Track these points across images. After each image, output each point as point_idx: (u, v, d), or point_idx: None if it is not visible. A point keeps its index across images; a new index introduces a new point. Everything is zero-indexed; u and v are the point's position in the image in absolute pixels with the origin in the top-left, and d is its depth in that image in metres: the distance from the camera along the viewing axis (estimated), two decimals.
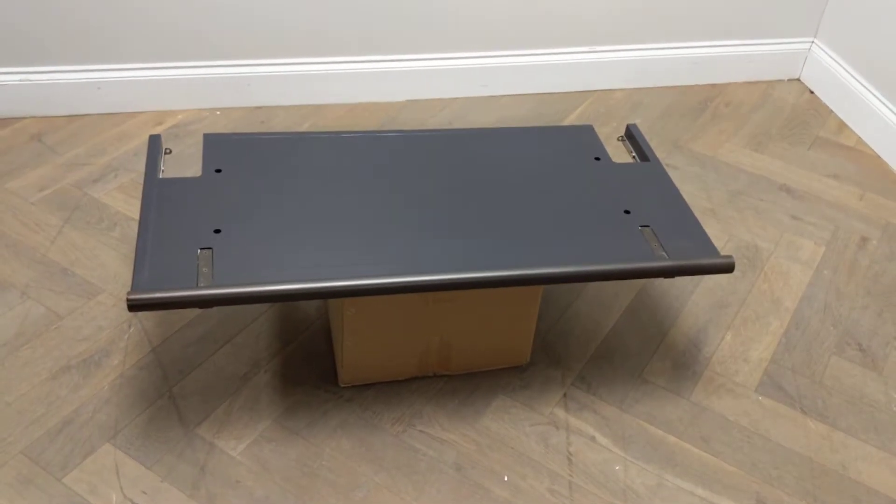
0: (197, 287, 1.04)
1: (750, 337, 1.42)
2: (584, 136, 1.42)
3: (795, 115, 2.04)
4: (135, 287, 1.03)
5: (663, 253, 1.18)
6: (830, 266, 1.58)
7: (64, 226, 1.52)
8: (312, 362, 1.31)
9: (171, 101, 1.84)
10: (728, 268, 1.18)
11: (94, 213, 1.55)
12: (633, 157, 1.43)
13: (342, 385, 1.27)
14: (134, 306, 1.01)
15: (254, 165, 1.27)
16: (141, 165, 1.68)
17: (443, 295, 1.20)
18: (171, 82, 1.82)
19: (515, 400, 1.27)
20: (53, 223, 1.52)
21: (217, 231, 1.14)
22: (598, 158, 1.37)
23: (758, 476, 1.19)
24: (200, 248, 1.11)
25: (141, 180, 1.64)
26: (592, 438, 1.23)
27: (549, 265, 1.13)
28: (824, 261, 1.59)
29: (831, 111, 2.07)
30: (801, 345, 1.41)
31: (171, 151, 1.34)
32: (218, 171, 1.25)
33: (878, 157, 1.91)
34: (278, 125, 1.84)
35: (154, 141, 1.30)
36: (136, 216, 1.55)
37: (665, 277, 1.18)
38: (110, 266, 1.44)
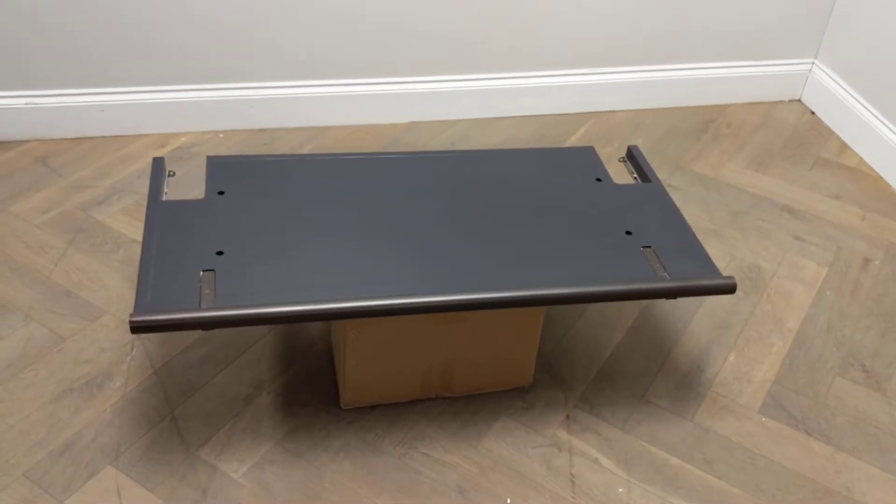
0: (199, 309, 1.04)
1: (753, 358, 1.41)
2: (585, 158, 1.43)
3: (797, 136, 2.05)
4: (137, 309, 1.04)
5: (665, 274, 1.18)
6: (833, 287, 1.58)
7: (68, 248, 1.52)
8: (314, 384, 1.31)
9: (175, 123, 1.85)
10: (730, 289, 1.18)
11: (97, 235, 1.56)
12: (635, 177, 1.43)
13: (344, 407, 1.27)
14: (137, 328, 1.02)
15: (256, 187, 1.28)
16: (144, 187, 1.69)
17: (445, 316, 1.20)
18: (175, 105, 1.83)
19: (518, 422, 1.27)
20: (57, 245, 1.53)
21: (219, 253, 1.14)
22: (599, 179, 1.38)
23: (762, 498, 1.18)
24: (203, 270, 1.11)
25: (144, 202, 1.65)
26: (595, 460, 1.22)
27: (551, 286, 1.13)
28: (827, 281, 1.59)
29: (832, 132, 2.07)
30: (805, 366, 1.41)
31: (174, 174, 1.34)
32: (221, 193, 1.26)
33: (880, 177, 1.91)
34: (281, 147, 1.85)
35: (157, 164, 1.30)
36: (140, 238, 1.56)
37: (667, 298, 1.18)
38: (113, 288, 1.45)
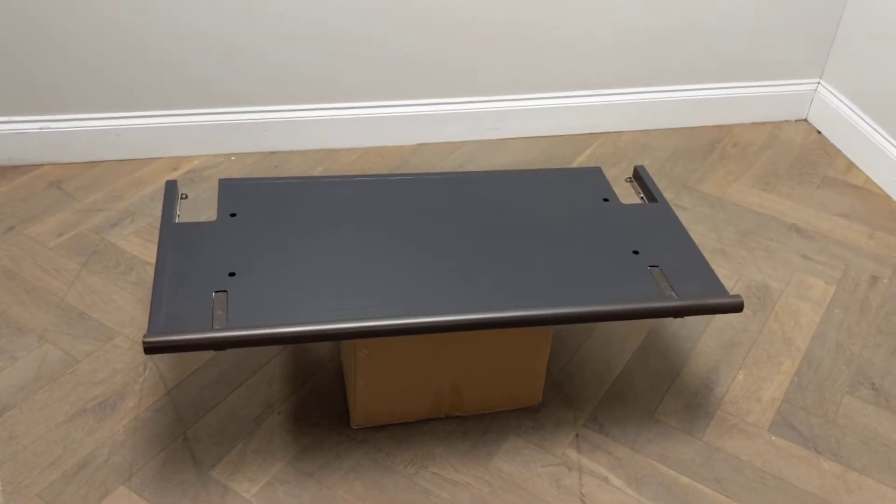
0: (212, 329, 1.06)
1: (762, 376, 1.42)
2: (592, 178, 1.44)
3: (803, 156, 2.06)
4: (151, 330, 1.05)
5: (672, 293, 1.19)
6: (841, 305, 1.58)
7: (81, 270, 1.54)
8: (325, 404, 1.32)
9: (187, 147, 1.88)
10: (737, 307, 1.18)
11: (111, 257, 1.58)
12: (641, 197, 1.44)
13: (355, 427, 1.28)
14: (150, 349, 1.03)
15: (268, 210, 1.29)
16: (157, 210, 1.71)
17: (455, 336, 1.21)
18: (187, 129, 1.86)
19: (528, 441, 1.28)
20: (71, 268, 1.55)
21: (232, 274, 1.16)
22: (606, 199, 1.39)
23: None
24: (215, 292, 1.13)
25: (157, 225, 1.67)
26: (605, 479, 1.23)
27: (559, 306, 1.14)
28: (835, 300, 1.59)
29: (839, 151, 2.08)
30: (814, 384, 1.41)
31: (186, 196, 1.36)
32: (233, 215, 1.28)
33: (888, 196, 1.92)
34: (292, 170, 1.87)
35: (170, 186, 1.32)
36: (153, 260, 1.57)
37: (674, 317, 1.19)
38: (126, 310, 1.46)
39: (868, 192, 1.93)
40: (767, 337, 1.50)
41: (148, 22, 1.71)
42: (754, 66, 2.10)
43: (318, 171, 1.87)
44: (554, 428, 1.30)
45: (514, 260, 1.23)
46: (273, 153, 1.93)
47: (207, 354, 1.38)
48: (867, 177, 1.98)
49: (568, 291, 1.18)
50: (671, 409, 1.35)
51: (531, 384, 1.31)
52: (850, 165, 2.03)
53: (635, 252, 1.27)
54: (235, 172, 1.85)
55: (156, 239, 1.63)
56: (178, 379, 1.34)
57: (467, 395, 1.28)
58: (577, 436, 1.29)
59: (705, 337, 1.49)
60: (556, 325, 1.19)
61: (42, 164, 1.82)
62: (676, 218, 1.35)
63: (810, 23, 2.05)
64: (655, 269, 1.24)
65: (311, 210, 1.30)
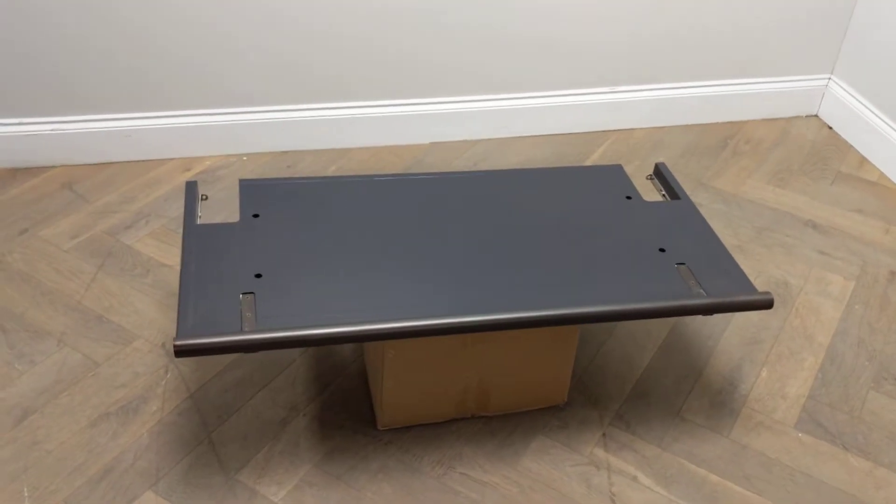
0: (242, 332, 1.04)
1: (785, 373, 1.41)
2: (613, 176, 1.44)
3: (815, 151, 2.06)
4: (180, 333, 1.04)
5: (701, 290, 1.18)
6: (861, 301, 1.58)
7: (98, 273, 1.53)
8: (350, 406, 1.31)
9: (199, 147, 1.87)
10: (767, 304, 1.18)
11: (127, 259, 1.57)
12: (663, 195, 1.44)
13: (381, 428, 1.27)
14: (181, 352, 1.02)
15: (290, 210, 1.28)
16: (171, 211, 1.69)
17: (481, 336, 1.20)
18: (199, 129, 1.85)
19: (555, 440, 1.27)
20: (87, 270, 1.53)
21: (258, 276, 1.15)
22: (629, 197, 1.38)
23: None
24: (242, 293, 1.12)
25: (172, 226, 1.65)
26: (634, 478, 1.22)
27: (589, 304, 1.14)
28: (855, 295, 1.59)
29: (851, 146, 2.08)
30: (837, 380, 1.40)
31: (206, 197, 1.35)
32: (255, 216, 1.27)
33: None
34: (305, 169, 1.86)
35: (191, 187, 1.31)
36: (169, 262, 1.56)
37: (704, 315, 1.18)
38: (145, 312, 1.45)
39: (882, 187, 1.93)
40: (789, 333, 1.49)
41: (157, 22, 1.69)
42: (765, 62, 2.10)
43: (331, 171, 1.86)
44: (580, 427, 1.30)
45: (540, 258, 1.22)
46: (286, 153, 1.92)
47: (229, 357, 1.37)
48: (881, 172, 1.98)
49: (597, 290, 1.17)
50: (696, 406, 1.34)
51: (557, 383, 1.31)
52: (863, 161, 2.02)
53: (661, 250, 1.26)
54: (248, 172, 1.84)
55: (172, 241, 1.61)
56: (200, 382, 1.33)
57: (493, 395, 1.28)
58: (603, 434, 1.29)
59: (727, 334, 1.48)
60: (586, 324, 1.18)
61: (54, 166, 1.81)
62: (700, 215, 1.35)
63: (821, 18, 2.05)
64: (682, 266, 1.23)
65: (334, 210, 1.29)
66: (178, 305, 1.08)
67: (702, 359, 1.43)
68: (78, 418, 1.26)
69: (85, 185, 1.76)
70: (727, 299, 1.17)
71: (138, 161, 1.85)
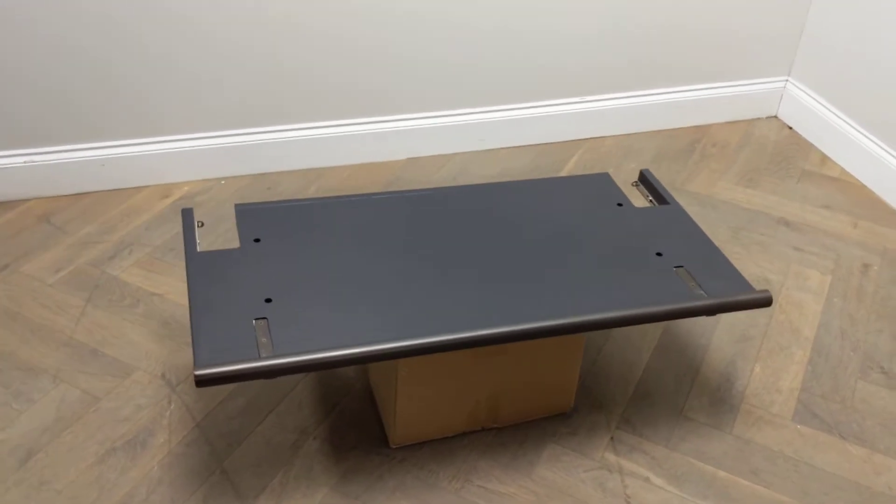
0: (261, 358, 1.04)
1: (777, 368, 1.46)
2: (602, 184, 1.47)
3: (778, 151, 2.12)
4: (198, 363, 1.03)
5: (702, 292, 1.22)
6: (839, 293, 1.64)
7: (86, 306, 1.50)
8: (359, 425, 1.31)
9: (176, 173, 1.84)
10: (766, 302, 1.22)
11: (114, 290, 1.54)
12: (650, 200, 1.47)
13: (394, 446, 1.27)
14: (202, 381, 1.01)
15: (290, 232, 1.28)
16: (154, 239, 1.67)
17: (491, 349, 1.21)
18: (175, 155, 1.82)
19: (565, 447, 1.29)
20: (75, 304, 1.50)
21: (268, 300, 1.14)
22: (620, 204, 1.41)
23: None
24: (255, 319, 1.11)
25: (157, 255, 1.63)
26: (647, 479, 1.24)
27: (595, 312, 1.16)
28: (832, 289, 1.65)
29: (811, 145, 2.15)
30: (827, 372, 1.45)
31: (203, 224, 1.34)
32: (256, 240, 1.26)
33: (864, 185, 1.99)
34: (285, 191, 1.85)
35: (187, 215, 1.30)
36: (159, 291, 1.54)
37: (708, 315, 1.21)
38: (140, 343, 1.43)
39: (845, 182, 2.00)
40: (776, 329, 1.54)
41: (124, 51, 1.67)
42: (725, 67, 2.16)
43: (311, 191, 1.86)
44: (589, 432, 1.32)
45: (542, 269, 1.24)
46: (264, 174, 1.91)
47: (231, 384, 1.36)
48: (842, 168, 2.06)
49: (600, 297, 1.19)
50: (697, 405, 1.38)
51: (564, 390, 1.32)
52: (824, 158, 2.10)
53: (658, 254, 1.29)
54: (228, 196, 1.82)
55: (158, 269, 1.59)
56: (205, 410, 1.31)
57: (503, 406, 1.29)
58: (612, 438, 1.31)
59: (718, 332, 1.53)
60: (594, 331, 1.20)
61: (28, 199, 1.77)
62: (690, 218, 1.38)
63: (777, 23, 2.12)
64: (681, 269, 1.26)
65: (334, 230, 1.29)
66: (192, 335, 1.07)
67: (697, 358, 1.47)
68: (84, 455, 1.23)
69: (62, 216, 1.73)
70: (729, 299, 1.20)
71: (115, 190, 1.82)
